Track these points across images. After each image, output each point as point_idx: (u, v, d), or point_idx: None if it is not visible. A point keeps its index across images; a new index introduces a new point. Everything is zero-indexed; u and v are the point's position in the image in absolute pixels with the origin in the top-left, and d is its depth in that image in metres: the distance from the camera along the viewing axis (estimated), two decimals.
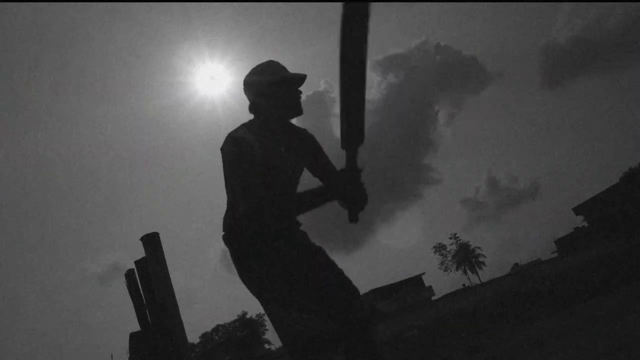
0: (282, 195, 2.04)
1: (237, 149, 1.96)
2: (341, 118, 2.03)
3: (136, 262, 3.06)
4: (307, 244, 2.09)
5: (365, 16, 1.88)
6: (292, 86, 2.10)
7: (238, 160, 1.95)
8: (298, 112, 2.13)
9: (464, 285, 54.65)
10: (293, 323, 1.88)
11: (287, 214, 2.08)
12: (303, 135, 2.16)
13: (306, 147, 2.14)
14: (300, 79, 2.11)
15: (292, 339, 1.89)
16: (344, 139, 2.03)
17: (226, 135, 2.05)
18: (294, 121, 2.20)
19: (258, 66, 2.14)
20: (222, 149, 2.03)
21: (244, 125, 2.07)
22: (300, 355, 1.88)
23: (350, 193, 2.02)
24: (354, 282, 2.07)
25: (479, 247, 62.66)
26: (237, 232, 1.98)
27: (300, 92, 2.14)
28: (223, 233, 2.05)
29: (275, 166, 2.00)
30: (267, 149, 1.98)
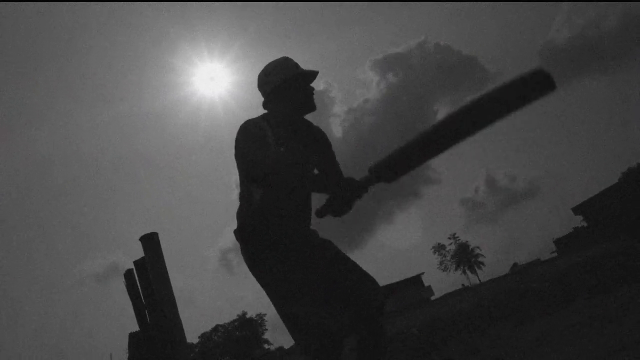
0: (295, 190, 2.04)
1: (252, 133, 1.97)
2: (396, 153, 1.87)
3: (135, 263, 3.05)
4: (319, 239, 2.11)
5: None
6: (305, 83, 2.12)
7: (253, 142, 1.94)
8: (311, 108, 2.15)
9: (463, 285, 54.60)
10: (313, 317, 1.86)
11: (300, 209, 2.09)
12: (316, 133, 2.20)
13: (318, 144, 2.17)
14: (313, 75, 2.13)
15: (312, 333, 1.85)
16: (384, 168, 1.90)
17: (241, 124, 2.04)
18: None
19: (273, 63, 2.16)
20: (236, 139, 2.03)
21: (261, 117, 2.10)
22: (318, 350, 1.84)
23: (345, 198, 1.92)
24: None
25: (479, 247, 62.71)
26: (253, 224, 1.98)
27: (314, 89, 2.15)
28: (236, 228, 2.05)
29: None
30: (280, 145, 2.00)
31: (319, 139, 2.19)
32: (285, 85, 2.09)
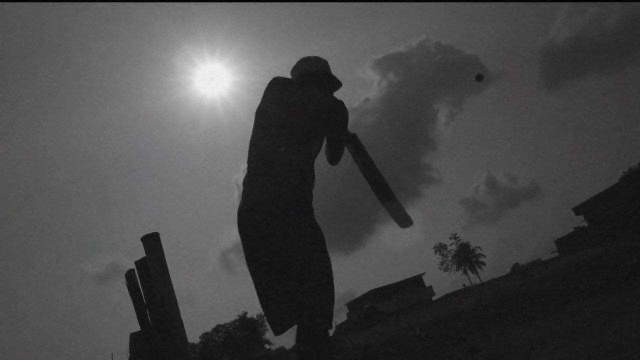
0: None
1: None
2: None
3: (136, 263, 3.06)
4: None
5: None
6: (331, 85, 2.37)
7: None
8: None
9: (464, 285, 54.61)
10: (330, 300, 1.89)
11: None
12: None
13: None
14: (338, 83, 2.40)
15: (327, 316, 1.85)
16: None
17: (337, 101, 2.18)
18: None
19: (315, 56, 2.41)
20: (344, 114, 2.18)
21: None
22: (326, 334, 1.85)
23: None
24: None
25: (479, 247, 62.70)
26: (309, 183, 2.00)
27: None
28: (292, 181, 1.94)
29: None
30: None
31: None
32: (316, 76, 2.29)
